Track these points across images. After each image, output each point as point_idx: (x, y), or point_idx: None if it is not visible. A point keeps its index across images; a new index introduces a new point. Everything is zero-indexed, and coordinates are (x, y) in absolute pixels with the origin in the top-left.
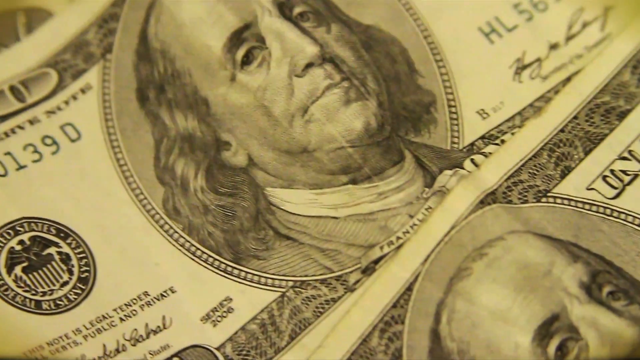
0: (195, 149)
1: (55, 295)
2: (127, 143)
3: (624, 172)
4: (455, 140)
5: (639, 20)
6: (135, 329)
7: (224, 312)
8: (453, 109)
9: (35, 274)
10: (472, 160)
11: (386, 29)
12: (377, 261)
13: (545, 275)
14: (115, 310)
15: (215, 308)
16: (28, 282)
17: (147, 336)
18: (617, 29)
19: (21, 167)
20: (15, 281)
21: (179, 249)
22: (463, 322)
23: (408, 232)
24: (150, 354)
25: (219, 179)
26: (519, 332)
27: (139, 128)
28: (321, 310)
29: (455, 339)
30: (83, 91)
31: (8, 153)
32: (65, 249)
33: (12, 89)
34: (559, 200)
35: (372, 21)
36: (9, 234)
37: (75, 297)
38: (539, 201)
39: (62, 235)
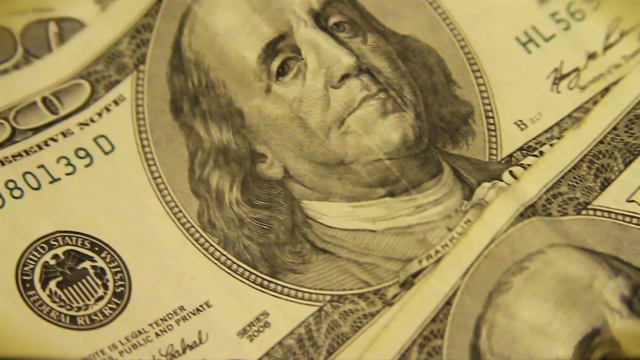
0: (230, 161)
1: (90, 311)
2: (161, 155)
3: None
4: (494, 152)
5: None
6: (172, 344)
7: (261, 326)
8: (491, 120)
9: (70, 288)
10: (510, 172)
11: (423, 39)
12: (415, 275)
13: (586, 289)
14: (151, 325)
15: (251, 323)
16: (63, 297)
17: (184, 351)
18: None
19: (55, 180)
20: (50, 296)
21: (215, 263)
22: (503, 337)
23: (447, 245)
24: None
25: (255, 192)
26: (560, 347)
27: (173, 140)
28: (359, 324)
29: (495, 353)
30: (116, 103)
31: (41, 166)
32: (100, 263)
33: (45, 100)
34: (599, 213)
35: (408, 31)
36: (43, 248)
37: (111, 312)
38: (579, 214)
39: (96, 249)
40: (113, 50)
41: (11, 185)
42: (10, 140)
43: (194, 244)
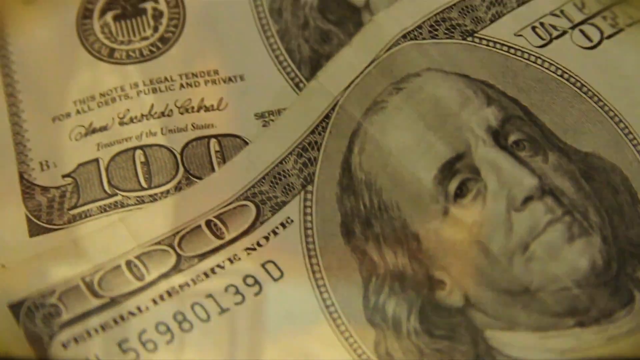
0: (406, 287)
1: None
2: (332, 282)
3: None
4: None
5: None
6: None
7: None
8: None
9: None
10: None
11: (606, 156)
12: None
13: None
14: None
15: None
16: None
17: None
18: None
19: (224, 311)
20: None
21: None
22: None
23: None
24: None
25: (434, 321)
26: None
27: (345, 265)
28: None
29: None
30: (283, 225)
31: (210, 295)
32: None
33: (209, 224)
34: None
35: (590, 148)
36: None
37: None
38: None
39: None
40: (279, 170)
41: (179, 317)
42: (176, 269)
43: None
